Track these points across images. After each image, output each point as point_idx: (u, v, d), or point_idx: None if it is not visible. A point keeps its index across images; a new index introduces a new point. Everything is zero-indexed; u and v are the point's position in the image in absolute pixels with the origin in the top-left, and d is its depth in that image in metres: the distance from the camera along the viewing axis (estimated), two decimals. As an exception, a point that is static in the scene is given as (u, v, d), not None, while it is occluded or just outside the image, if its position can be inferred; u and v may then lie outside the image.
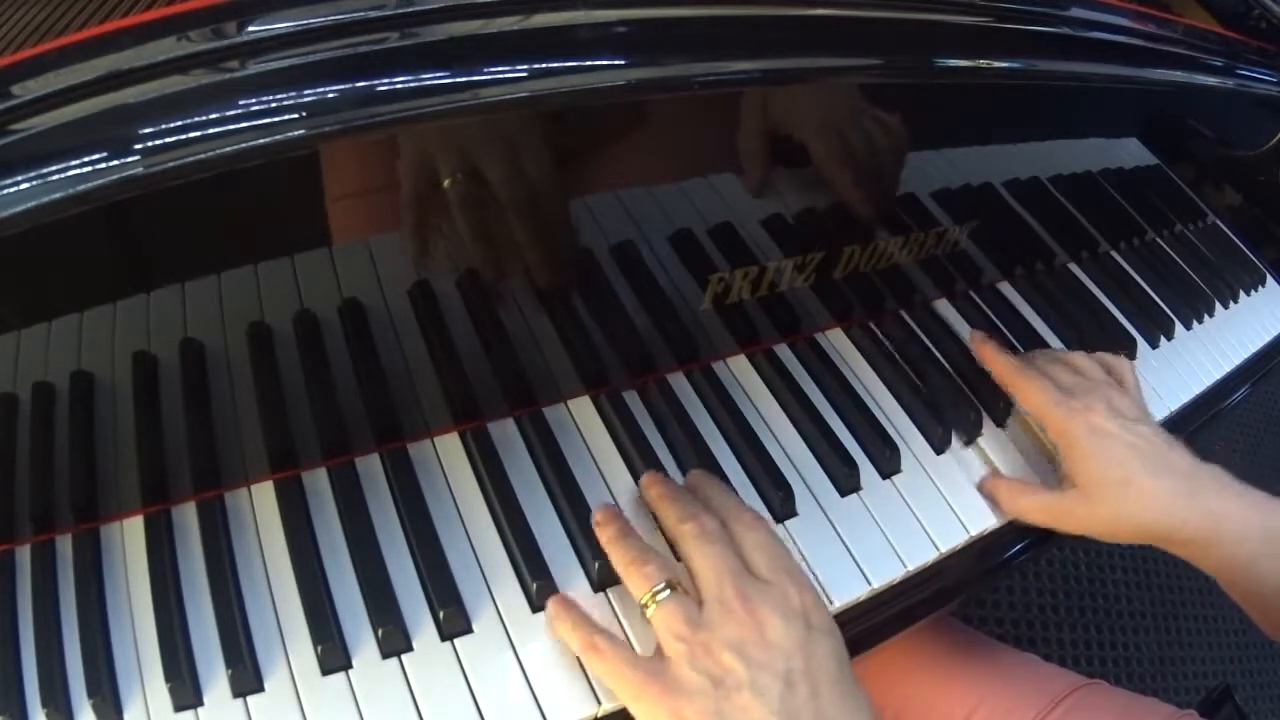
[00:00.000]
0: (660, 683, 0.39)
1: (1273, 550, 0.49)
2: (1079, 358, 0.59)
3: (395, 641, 0.42)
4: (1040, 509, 0.54)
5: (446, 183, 0.40)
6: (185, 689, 0.40)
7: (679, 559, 0.45)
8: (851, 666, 0.42)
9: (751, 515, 0.46)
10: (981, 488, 0.56)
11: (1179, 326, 0.75)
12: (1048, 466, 0.58)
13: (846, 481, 0.53)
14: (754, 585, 0.41)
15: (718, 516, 0.45)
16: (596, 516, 0.47)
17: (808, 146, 0.50)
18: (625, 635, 0.45)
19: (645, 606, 0.42)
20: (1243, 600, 0.53)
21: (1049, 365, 0.58)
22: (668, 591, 0.42)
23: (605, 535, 0.45)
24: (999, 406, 0.60)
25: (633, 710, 0.41)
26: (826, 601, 0.48)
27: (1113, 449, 0.51)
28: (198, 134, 0.32)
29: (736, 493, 0.49)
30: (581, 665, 0.43)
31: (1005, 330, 0.67)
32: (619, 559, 0.44)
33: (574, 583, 0.46)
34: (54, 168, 0.31)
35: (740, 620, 0.40)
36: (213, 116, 0.33)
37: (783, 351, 0.59)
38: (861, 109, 0.51)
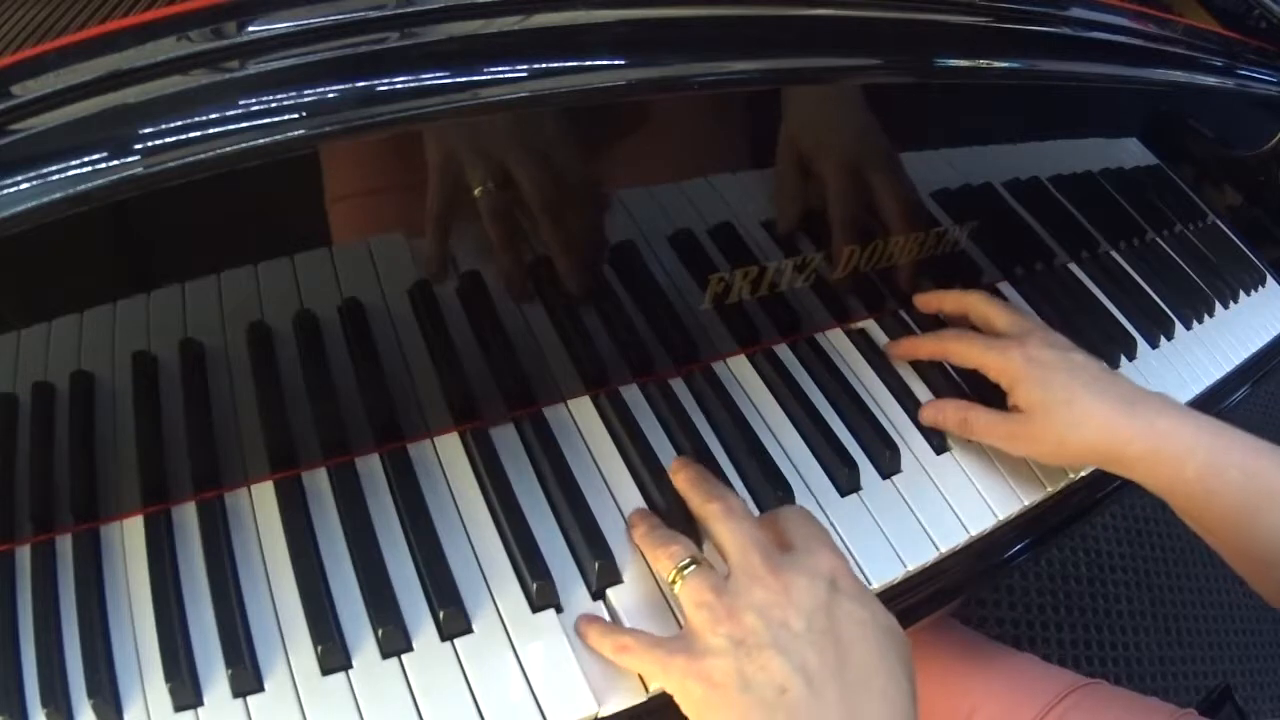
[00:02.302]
0: (686, 652, 0.40)
1: (1216, 468, 0.49)
2: (1009, 311, 0.60)
3: (395, 641, 0.42)
4: (989, 426, 0.55)
5: (470, 186, 0.41)
6: (185, 689, 0.40)
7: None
8: (899, 640, 0.41)
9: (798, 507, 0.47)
10: (923, 415, 0.57)
11: (1179, 326, 0.75)
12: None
13: (846, 481, 0.53)
14: (780, 554, 0.42)
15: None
16: (631, 519, 0.48)
17: (812, 154, 0.50)
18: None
19: (673, 583, 0.43)
20: (1200, 528, 0.52)
21: (981, 311, 0.59)
22: (693, 566, 0.43)
23: (638, 534, 0.47)
24: (999, 406, 0.60)
25: (668, 688, 0.41)
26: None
27: (1053, 374, 0.53)
28: (198, 134, 0.32)
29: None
30: (581, 665, 0.43)
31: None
32: (648, 548, 0.46)
33: (574, 583, 0.46)
34: (54, 168, 0.31)
35: (766, 584, 0.40)
36: (213, 116, 0.33)
37: (783, 351, 0.59)
38: (864, 113, 0.51)
